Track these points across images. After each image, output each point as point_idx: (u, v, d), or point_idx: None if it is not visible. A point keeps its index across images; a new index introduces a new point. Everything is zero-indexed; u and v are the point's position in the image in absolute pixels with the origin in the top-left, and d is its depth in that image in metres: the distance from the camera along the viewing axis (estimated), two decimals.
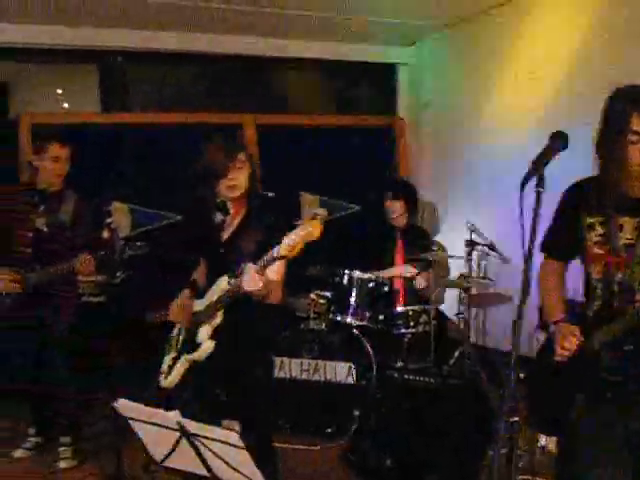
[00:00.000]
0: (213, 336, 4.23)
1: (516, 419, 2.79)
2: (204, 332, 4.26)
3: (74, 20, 7.82)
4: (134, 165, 8.50)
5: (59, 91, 9.34)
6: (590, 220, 3.50)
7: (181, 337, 4.48)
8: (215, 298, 4.28)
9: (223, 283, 4.24)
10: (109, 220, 5.32)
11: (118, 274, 5.48)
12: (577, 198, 3.59)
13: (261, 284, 3.94)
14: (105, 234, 5.27)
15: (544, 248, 3.77)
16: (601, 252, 3.48)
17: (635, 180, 3.38)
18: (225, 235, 4.40)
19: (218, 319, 4.24)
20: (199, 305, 4.41)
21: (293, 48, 9.11)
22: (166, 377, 4.42)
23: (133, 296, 4.53)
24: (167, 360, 4.50)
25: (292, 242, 3.78)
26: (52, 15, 7.62)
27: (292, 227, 3.81)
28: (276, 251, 3.85)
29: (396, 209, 7.53)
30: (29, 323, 5.95)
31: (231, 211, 4.40)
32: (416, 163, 9.73)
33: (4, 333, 6.03)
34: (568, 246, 3.69)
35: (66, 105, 9.37)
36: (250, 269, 3.95)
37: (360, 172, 9.24)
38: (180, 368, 4.35)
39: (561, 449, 3.79)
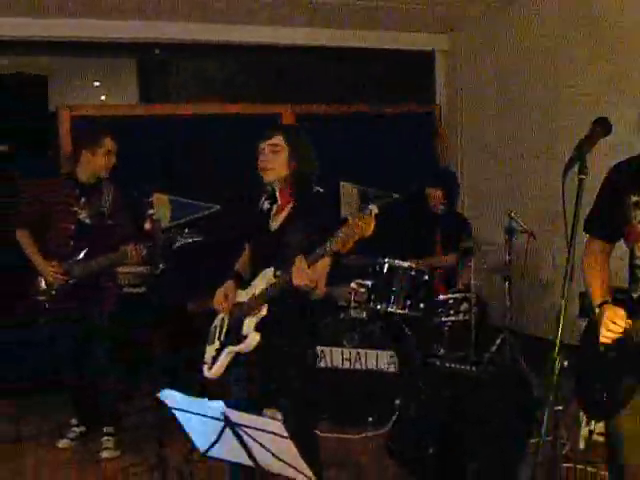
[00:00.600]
0: (259, 328, 4.20)
1: (559, 407, 2.76)
2: (250, 324, 4.23)
3: (112, 13, 7.85)
4: (173, 156, 8.53)
5: (96, 84, 9.40)
6: (635, 198, 3.43)
7: (224, 328, 4.45)
8: (260, 290, 4.24)
9: (269, 275, 4.21)
10: (151, 211, 5.34)
11: (161, 265, 5.49)
12: (621, 177, 3.53)
13: (310, 278, 3.94)
14: (147, 225, 5.29)
15: (587, 228, 3.72)
16: None
17: None
18: (274, 225, 4.37)
19: (264, 311, 4.19)
20: (243, 295, 4.38)
21: (330, 37, 9.09)
22: (210, 367, 4.40)
23: (174, 286, 4.53)
24: (210, 350, 4.47)
25: (345, 237, 3.73)
26: (90, 8, 7.65)
27: (343, 222, 3.76)
28: (328, 246, 3.81)
29: (436, 197, 7.53)
30: (71, 314, 6.00)
31: (279, 200, 4.38)
32: (454, 150, 9.69)
33: (47, 324, 6.10)
34: (612, 225, 3.62)
35: (103, 97, 9.43)
36: (301, 263, 3.93)
37: (399, 160, 9.22)
38: (224, 359, 4.34)
39: (609, 432, 3.74)
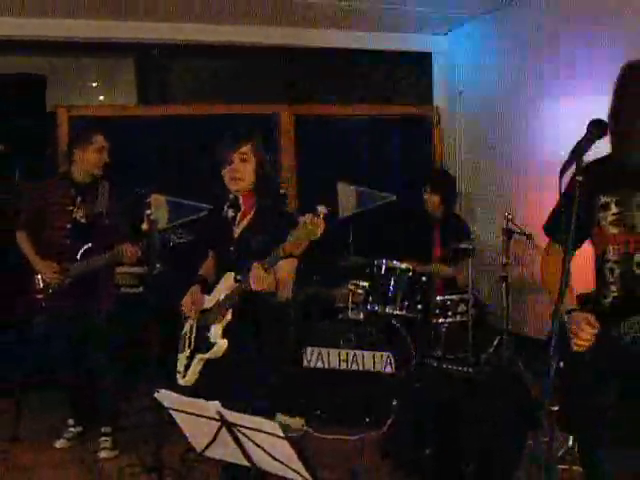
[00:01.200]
0: (225, 333, 4.20)
1: (555, 408, 2.76)
2: (217, 330, 4.23)
3: (111, 13, 7.85)
4: (171, 157, 8.53)
5: (94, 84, 9.41)
6: (605, 199, 3.34)
7: (193, 335, 4.44)
8: (223, 296, 4.25)
9: (230, 280, 4.20)
10: (149, 212, 5.35)
11: (157, 265, 5.50)
12: (588, 178, 3.25)
13: (268, 283, 3.94)
14: (144, 226, 5.30)
15: (550, 231, 3.65)
16: (616, 232, 3.33)
17: None
18: (237, 231, 4.35)
19: (229, 316, 4.19)
20: (208, 301, 4.39)
21: (328, 38, 9.08)
22: (183, 376, 4.40)
23: (172, 286, 4.53)
24: (182, 358, 4.47)
25: (296, 240, 3.73)
26: (89, 9, 7.65)
27: (295, 225, 3.75)
28: (280, 250, 3.81)
29: (433, 201, 7.53)
30: (68, 313, 6.02)
31: (242, 207, 4.36)
32: (451, 151, 9.68)
33: (44, 324, 6.11)
34: (576, 229, 3.34)
35: (101, 98, 9.43)
36: (257, 268, 3.92)
37: (396, 161, 9.24)
38: (196, 366, 4.34)
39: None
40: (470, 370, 5.76)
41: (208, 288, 4.46)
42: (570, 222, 3.30)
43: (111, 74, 9.40)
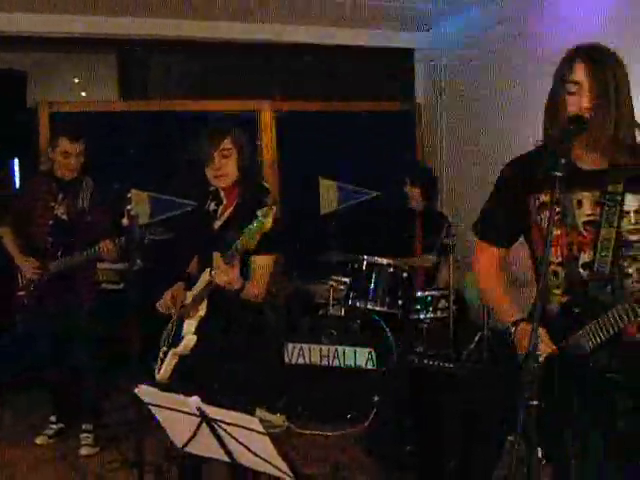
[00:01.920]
0: (197, 328, 4.15)
1: (535, 403, 2.75)
2: (189, 325, 4.18)
3: (92, 9, 7.82)
4: (153, 153, 8.51)
5: (76, 80, 9.37)
6: (544, 198, 3.20)
7: (172, 331, 4.40)
8: (198, 290, 4.23)
9: (206, 275, 4.18)
10: (129, 207, 5.33)
11: (138, 261, 5.49)
12: (522, 174, 3.34)
13: (230, 277, 3.90)
14: (125, 221, 5.28)
15: (478, 230, 3.54)
16: (558, 232, 3.18)
17: (586, 149, 3.11)
18: (217, 224, 4.31)
19: (202, 312, 4.15)
20: (188, 297, 4.35)
21: (309, 34, 9.07)
22: (158, 371, 4.35)
23: (153, 283, 4.52)
24: (160, 354, 4.42)
25: (249, 234, 3.73)
26: (70, 4, 7.62)
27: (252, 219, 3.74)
28: (238, 244, 3.80)
29: (414, 195, 7.54)
30: (50, 310, 6.01)
31: (224, 200, 4.32)
32: (433, 148, 9.69)
33: (26, 321, 6.10)
34: (509, 229, 3.43)
35: (84, 94, 9.39)
36: (218, 260, 3.90)
37: (378, 157, 9.22)
38: (169, 362, 4.27)
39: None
40: (451, 366, 5.76)
41: (192, 284, 4.42)
42: (501, 218, 3.39)
43: (92, 70, 9.35)
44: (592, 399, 3.09)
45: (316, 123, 9.19)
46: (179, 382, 4.20)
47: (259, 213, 3.70)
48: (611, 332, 3.01)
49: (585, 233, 3.15)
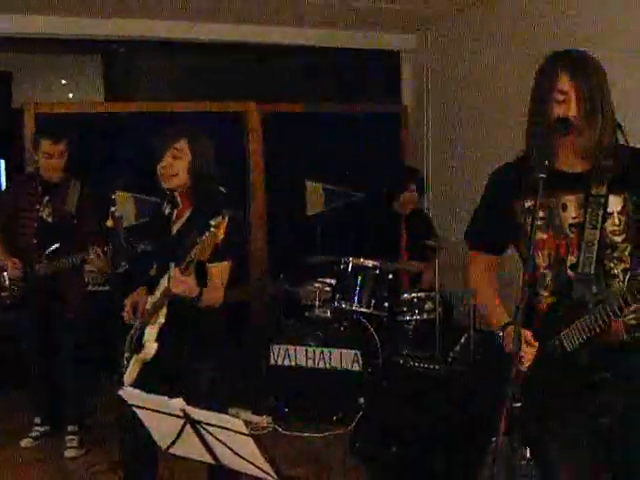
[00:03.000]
0: (158, 336, 4.09)
1: (518, 404, 2.77)
2: (150, 332, 4.12)
3: (77, 10, 7.81)
4: (138, 154, 8.50)
5: (63, 82, 9.36)
6: (529, 203, 3.25)
7: (135, 336, 4.31)
8: (157, 297, 4.17)
9: (165, 281, 4.11)
10: (113, 209, 5.32)
11: (123, 264, 5.49)
12: (507, 181, 3.38)
13: (187, 286, 3.88)
14: (109, 223, 5.27)
15: (469, 239, 3.61)
16: (545, 237, 3.25)
17: (570, 153, 3.17)
18: (174, 229, 4.26)
19: (161, 318, 4.09)
20: (149, 303, 4.27)
21: (296, 36, 9.08)
22: (124, 376, 4.27)
23: (138, 285, 4.51)
24: (124, 359, 4.36)
25: (203, 245, 3.72)
26: (55, 5, 7.61)
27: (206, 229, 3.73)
28: (193, 254, 3.77)
29: (413, 200, 7.58)
30: (35, 312, 6.00)
31: (180, 205, 4.27)
32: (419, 150, 9.70)
33: (12, 322, 6.09)
34: (499, 236, 3.49)
35: (70, 95, 9.39)
36: (174, 270, 3.87)
37: (364, 160, 9.23)
38: (133, 367, 4.22)
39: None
40: (437, 368, 5.78)
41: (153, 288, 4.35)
42: (490, 226, 3.46)
43: (78, 71, 9.35)
44: (577, 398, 3.15)
45: (303, 125, 9.19)
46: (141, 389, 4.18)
47: (212, 223, 3.68)
48: (594, 332, 3.07)
49: (571, 235, 3.20)
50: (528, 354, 3.09)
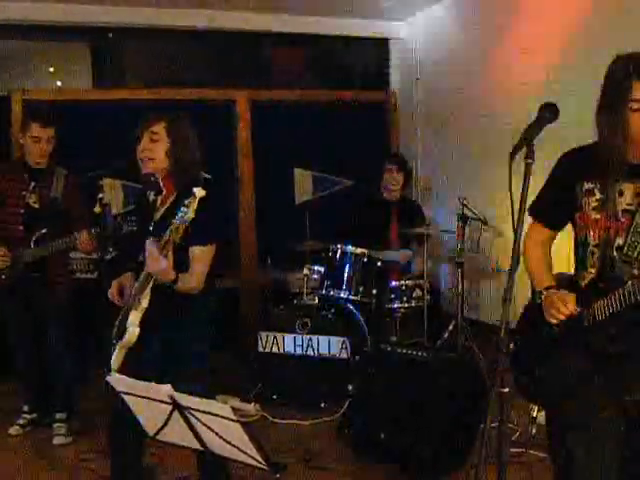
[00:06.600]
0: (141, 321, 4.01)
1: (506, 390, 2.79)
2: (133, 317, 4.03)
3: None
4: (126, 141, 8.45)
5: (51, 69, 9.31)
6: (589, 185, 3.50)
7: (120, 322, 4.24)
8: (140, 281, 4.10)
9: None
10: (100, 195, 5.30)
11: (110, 250, 5.47)
12: (573, 164, 3.60)
13: (162, 267, 3.82)
14: (97, 209, 5.25)
15: (532, 212, 3.71)
16: (599, 217, 3.48)
17: (636, 145, 3.36)
18: (157, 215, 4.20)
19: (144, 303, 4.01)
20: (135, 288, 4.19)
21: (285, 23, 9.06)
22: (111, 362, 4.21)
23: (125, 271, 4.48)
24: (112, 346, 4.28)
25: (173, 226, 3.71)
26: None
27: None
28: (167, 235, 3.75)
29: (398, 181, 7.58)
30: (23, 300, 5.98)
31: (164, 191, 4.19)
32: (408, 137, 9.70)
33: None
34: (559, 212, 3.70)
35: (59, 83, 9.33)
36: (151, 249, 3.82)
37: (353, 147, 9.22)
38: (118, 354, 4.13)
39: (552, 420, 3.78)
40: (425, 355, 5.77)
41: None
42: (553, 202, 3.69)
43: (66, 58, 9.29)
44: (600, 365, 3.43)
45: (291, 112, 9.19)
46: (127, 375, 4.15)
47: (185, 202, 3.68)
48: (624, 305, 3.31)
49: (623, 220, 3.44)
50: (566, 310, 3.43)
